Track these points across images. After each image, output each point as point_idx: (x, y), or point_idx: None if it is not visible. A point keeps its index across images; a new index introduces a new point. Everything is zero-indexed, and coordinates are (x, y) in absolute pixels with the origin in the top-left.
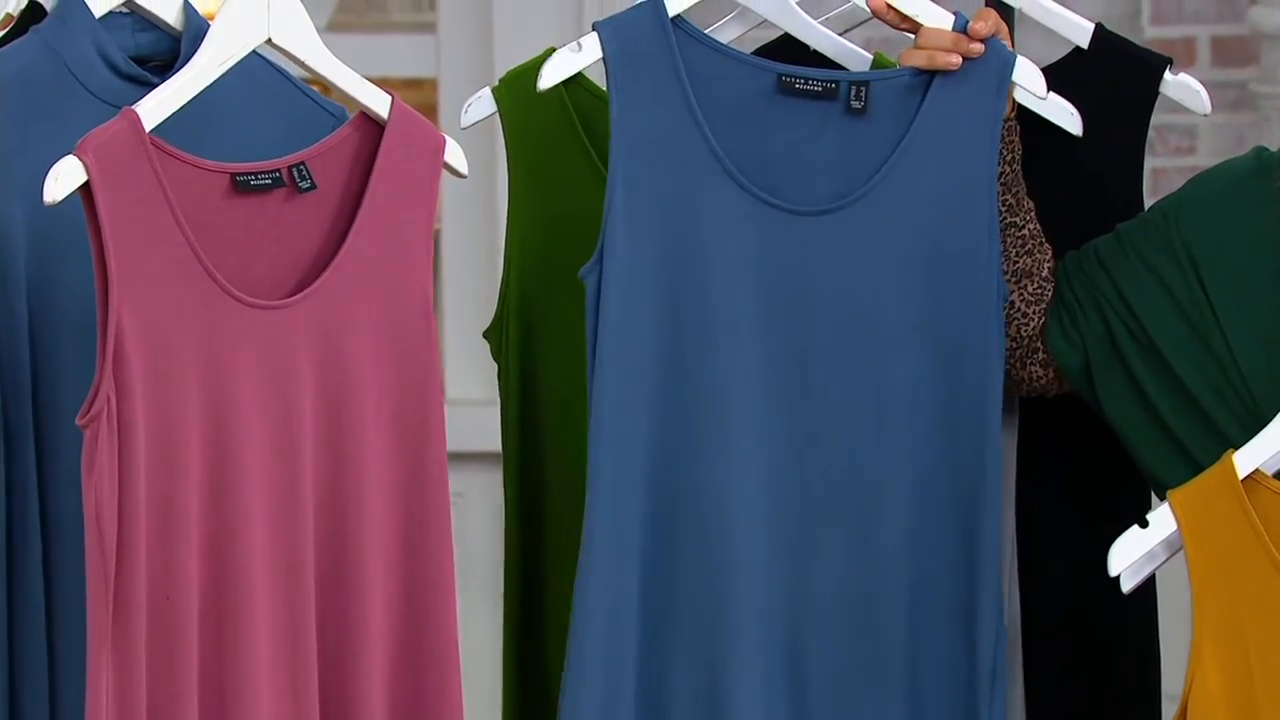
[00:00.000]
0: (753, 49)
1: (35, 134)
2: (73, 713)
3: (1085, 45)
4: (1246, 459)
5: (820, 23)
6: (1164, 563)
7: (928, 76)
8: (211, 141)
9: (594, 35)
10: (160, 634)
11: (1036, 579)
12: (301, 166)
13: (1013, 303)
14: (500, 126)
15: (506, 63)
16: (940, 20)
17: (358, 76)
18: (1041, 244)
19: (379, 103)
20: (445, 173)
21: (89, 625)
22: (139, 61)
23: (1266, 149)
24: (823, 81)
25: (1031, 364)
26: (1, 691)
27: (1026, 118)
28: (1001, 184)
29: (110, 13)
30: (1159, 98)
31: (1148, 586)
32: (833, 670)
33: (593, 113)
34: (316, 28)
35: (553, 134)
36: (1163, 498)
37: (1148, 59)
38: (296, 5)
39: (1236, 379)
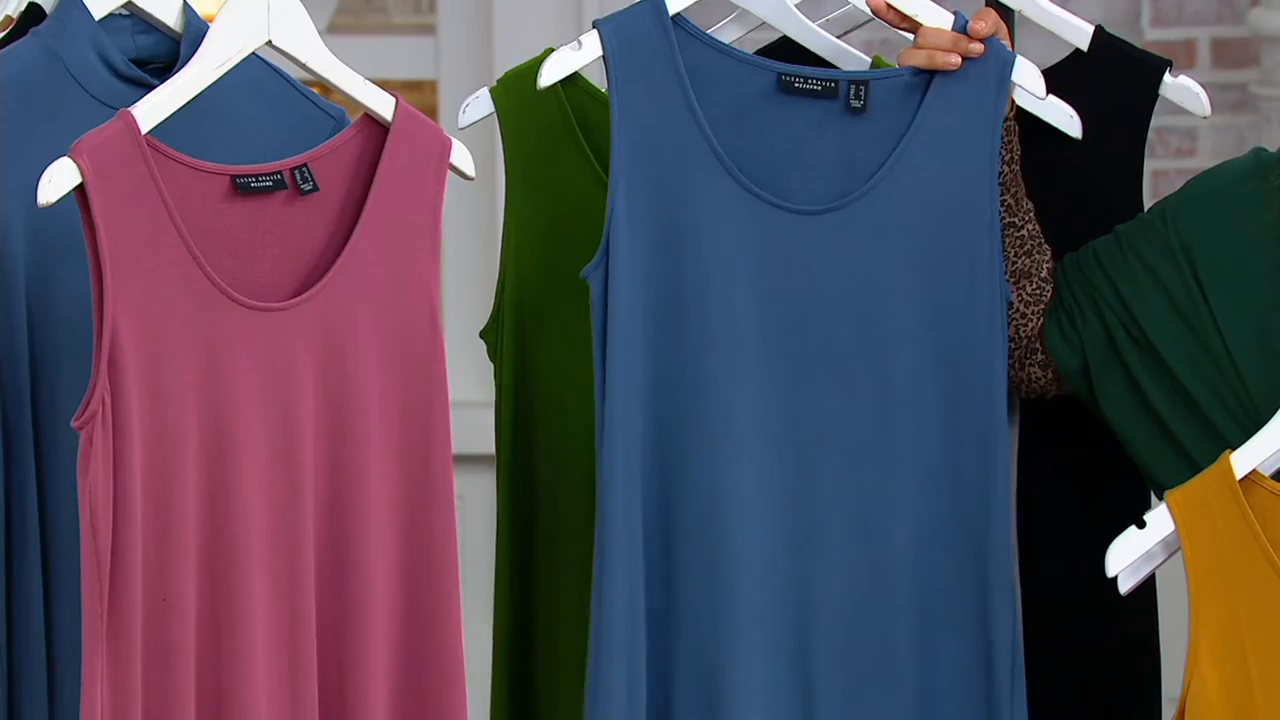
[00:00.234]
0: (752, 51)
1: (35, 136)
2: (70, 715)
3: (1085, 47)
4: (1244, 459)
5: (819, 25)
6: (1162, 563)
7: (927, 76)
8: (211, 143)
9: (594, 33)
10: (156, 637)
11: (1036, 579)
12: (304, 168)
13: (1011, 303)
14: (498, 127)
15: (506, 65)
16: (940, 20)
17: (361, 79)
18: (1040, 245)
19: (383, 105)
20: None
21: (84, 628)
22: (139, 64)
23: (1265, 150)
24: (823, 80)
25: (1030, 365)
26: (1, 693)
27: (1026, 120)
28: (1000, 184)
29: (110, 15)
30: (1159, 100)
31: (1148, 587)
32: (840, 675)
33: (590, 114)
34: (316, 30)
35: (550, 135)
36: (1162, 498)
37: (1147, 61)
38: (297, 7)
39: (1234, 379)
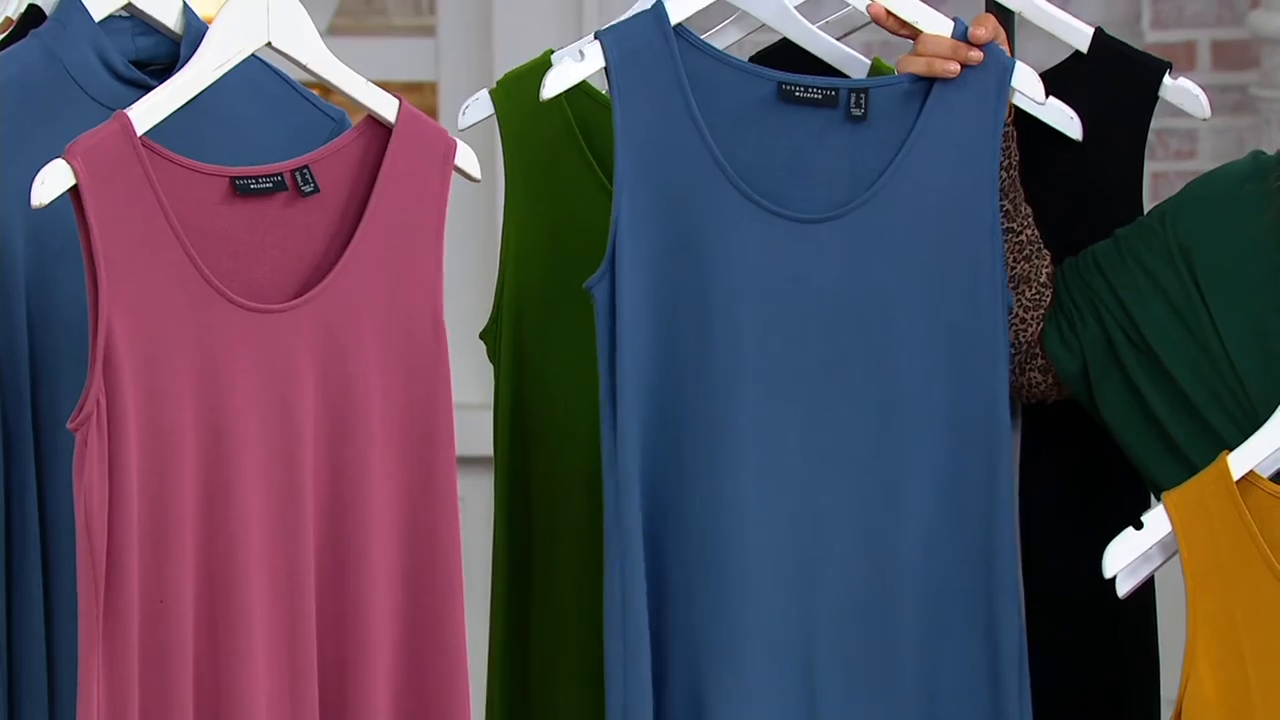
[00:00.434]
0: (752, 53)
1: (35, 138)
2: (70, 716)
3: (1085, 49)
4: (1241, 461)
5: (819, 27)
6: (1160, 566)
7: (927, 83)
8: (211, 145)
9: (596, 44)
10: (153, 638)
11: (1036, 581)
12: (305, 170)
13: (1011, 309)
14: (498, 129)
15: (506, 66)
16: (939, 27)
17: (364, 80)
18: (1039, 250)
19: (386, 106)
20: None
21: (80, 629)
22: (139, 65)
23: (1263, 152)
24: (823, 89)
25: (1030, 369)
26: (1, 693)
27: (1026, 122)
28: (999, 189)
29: (110, 16)
30: (1159, 102)
31: (1147, 588)
32: (845, 681)
33: (591, 116)
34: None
35: (551, 137)
36: (1161, 500)
37: (1147, 63)
38: (298, 8)
39: (1232, 381)
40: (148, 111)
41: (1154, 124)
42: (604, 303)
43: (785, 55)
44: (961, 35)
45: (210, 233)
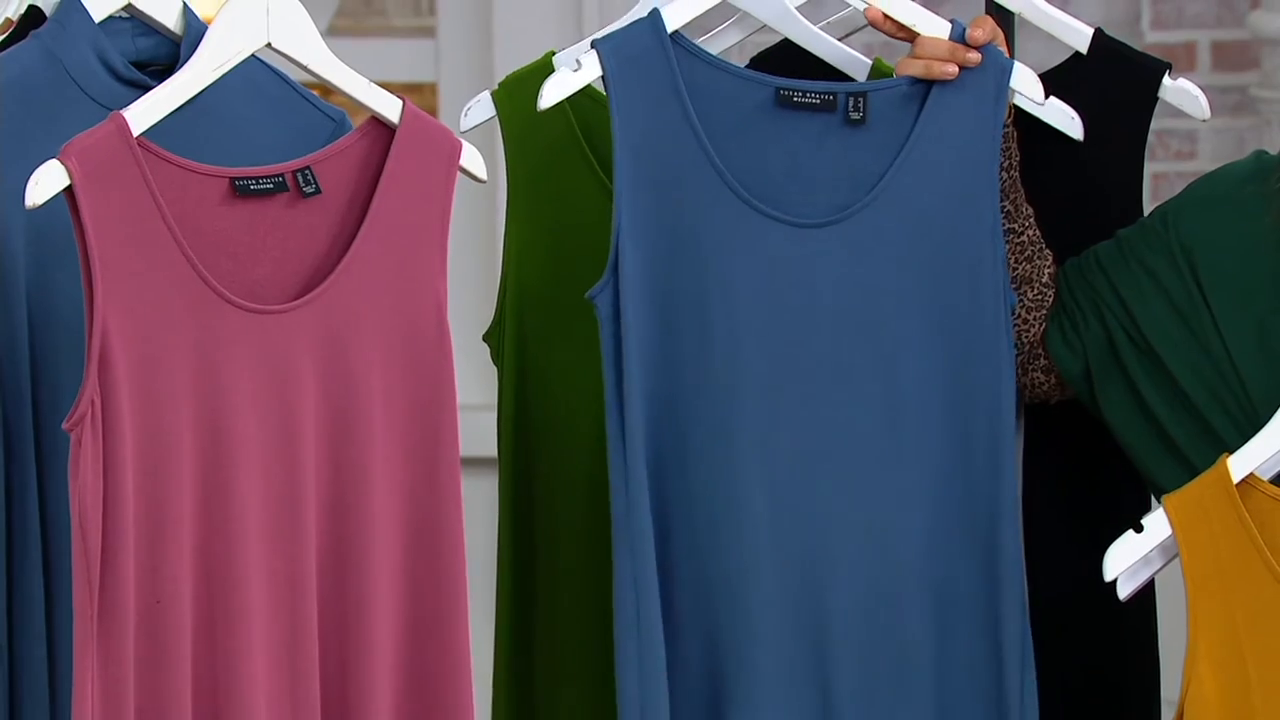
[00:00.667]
0: (753, 54)
1: (35, 139)
2: (71, 716)
3: (1084, 50)
4: (1241, 463)
5: (819, 28)
6: (1160, 569)
7: (926, 85)
8: (210, 145)
9: (593, 54)
10: (150, 639)
11: (1037, 581)
12: (307, 171)
13: (1013, 309)
14: (499, 130)
15: (506, 67)
16: (937, 29)
17: (366, 81)
18: (1041, 250)
19: (389, 107)
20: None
21: (75, 629)
22: (139, 66)
23: (1266, 152)
24: (821, 94)
25: (1033, 370)
26: (1, 690)
27: (1026, 122)
28: (999, 190)
29: (110, 17)
30: (1159, 102)
31: (1147, 588)
32: (856, 683)
33: (593, 118)
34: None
35: (553, 138)
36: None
37: (1147, 64)
38: (298, 9)
39: (1234, 382)
40: (145, 112)
41: (1154, 125)
42: (608, 312)
43: (786, 56)
44: (959, 37)
45: (209, 233)
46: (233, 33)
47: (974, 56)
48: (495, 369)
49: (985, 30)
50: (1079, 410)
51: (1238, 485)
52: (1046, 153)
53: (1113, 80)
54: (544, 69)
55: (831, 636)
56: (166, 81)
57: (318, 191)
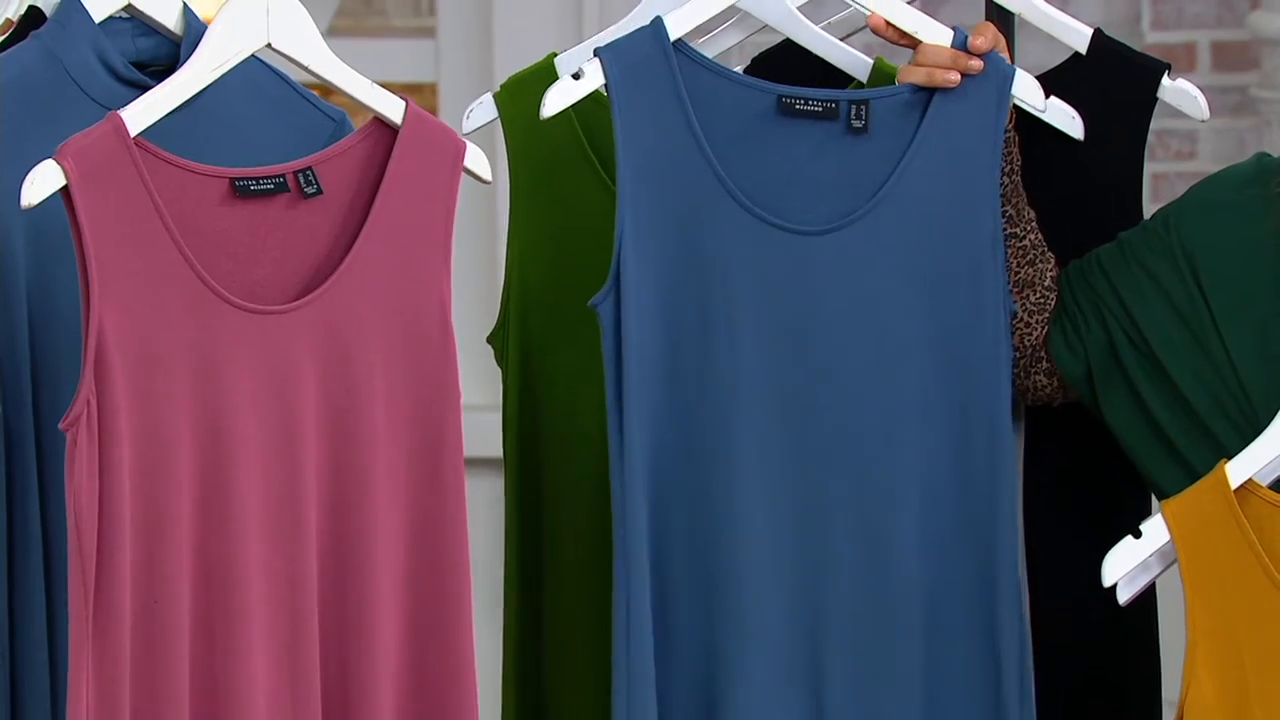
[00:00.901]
0: (753, 54)
1: (35, 139)
2: None
3: (1084, 51)
4: (1239, 469)
5: (820, 29)
6: (1159, 574)
7: (927, 93)
8: (211, 146)
9: (595, 62)
10: (146, 638)
11: (1039, 584)
12: (308, 171)
13: (1015, 313)
14: (501, 131)
15: (506, 67)
16: (939, 37)
17: (368, 82)
18: (1043, 254)
19: (391, 108)
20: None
21: (70, 629)
22: (139, 66)
23: (1268, 154)
24: (823, 102)
25: (1036, 373)
26: (3, 692)
27: (1026, 124)
28: (1001, 195)
29: (110, 17)
30: (1158, 103)
31: (1148, 593)
32: (850, 688)
33: (595, 119)
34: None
35: (555, 139)
36: None
37: (1146, 64)
38: (299, 10)
39: (1235, 386)
40: (142, 112)
41: (1154, 125)
42: (609, 320)
43: (788, 57)
44: (961, 45)
45: (208, 233)
46: (232, 33)
47: (976, 64)
48: (498, 370)
49: (987, 38)
50: (1080, 413)
51: (1236, 491)
52: (1046, 153)
53: (1112, 80)
54: (546, 70)
55: (827, 642)
56: (165, 81)
57: (319, 192)
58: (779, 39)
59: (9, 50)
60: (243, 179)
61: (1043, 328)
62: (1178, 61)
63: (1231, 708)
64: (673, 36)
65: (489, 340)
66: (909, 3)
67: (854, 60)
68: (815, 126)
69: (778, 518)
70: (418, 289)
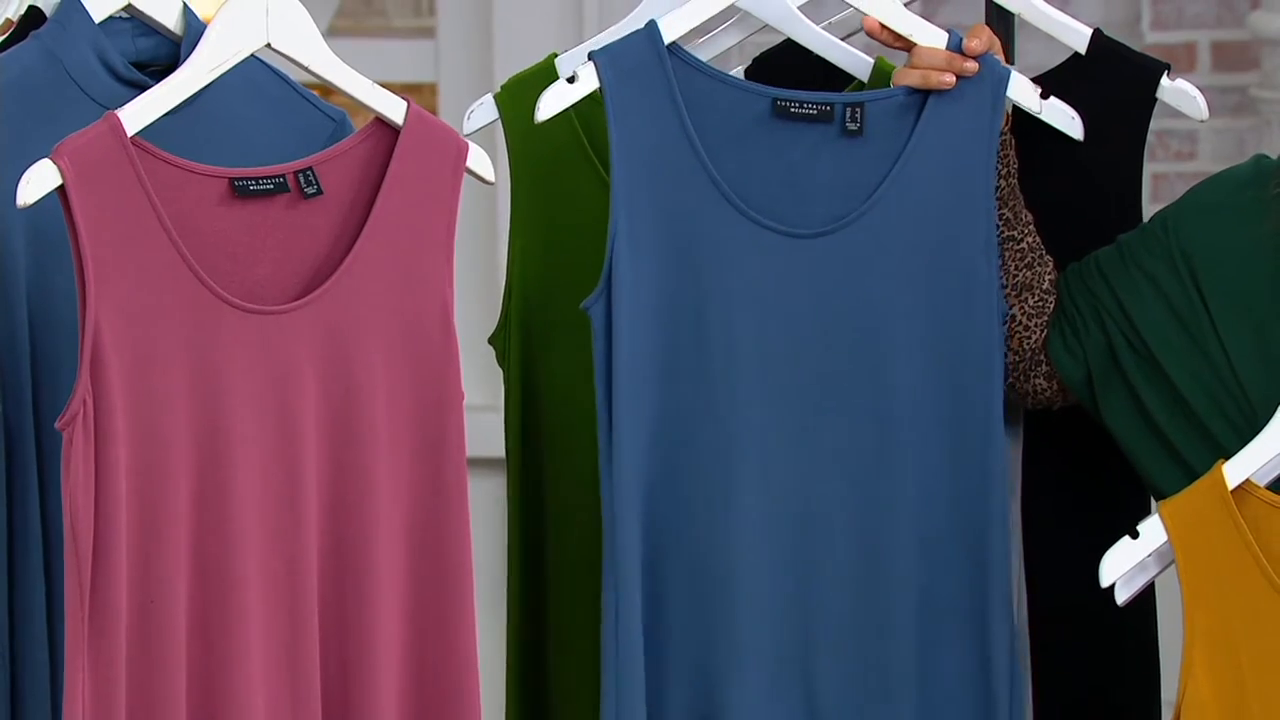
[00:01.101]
0: (754, 54)
1: (35, 139)
2: None
3: (1083, 51)
4: (1236, 469)
5: (821, 29)
6: (1156, 575)
7: (923, 95)
8: (212, 146)
9: (590, 65)
10: (143, 639)
11: (1039, 587)
12: (308, 172)
13: (1014, 316)
14: (501, 132)
15: (506, 68)
16: (934, 39)
17: (369, 82)
18: (1042, 257)
19: (393, 108)
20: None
21: (66, 629)
22: (139, 66)
23: (1266, 156)
24: (818, 104)
25: (1035, 377)
26: (3, 692)
27: (1024, 123)
28: (998, 198)
29: (110, 18)
30: (1158, 103)
31: (1147, 593)
32: (843, 693)
33: (596, 119)
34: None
35: (556, 139)
36: None
37: (1146, 64)
38: (299, 10)
39: (1234, 387)
40: (139, 112)
41: (1154, 125)
42: (600, 323)
43: (790, 57)
44: (956, 47)
45: (208, 234)
46: (231, 33)
47: (971, 66)
48: (498, 370)
49: (982, 40)
50: (1079, 416)
51: (1234, 491)
52: (1045, 153)
53: (1112, 81)
54: (546, 71)
55: (821, 644)
56: (163, 81)
57: (319, 192)
58: (779, 39)
59: (9, 50)
60: (242, 179)
61: (1041, 331)
62: (1178, 61)
63: (1229, 708)
64: (668, 39)
65: (490, 341)
66: (908, 3)
67: (855, 60)
68: (810, 129)
69: (772, 519)
70: (419, 290)
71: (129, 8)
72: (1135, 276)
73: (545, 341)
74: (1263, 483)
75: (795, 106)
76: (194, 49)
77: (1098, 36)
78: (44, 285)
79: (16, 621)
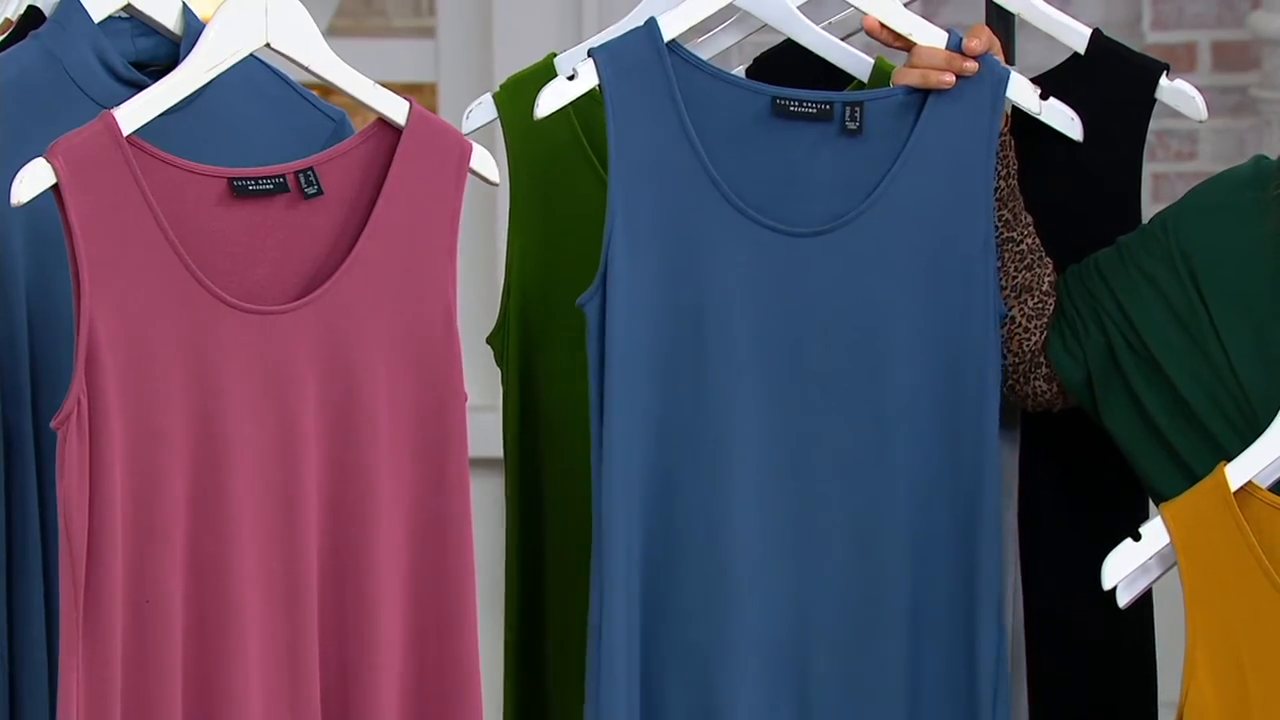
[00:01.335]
0: (753, 54)
1: (34, 139)
2: None
3: (1082, 51)
4: (1239, 471)
5: (821, 29)
6: (1158, 578)
7: (922, 95)
8: (211, 146)
9: (589, 63)
10: (139, 639)
11: (1037, 588)
12: (309, 172)
13: (1013, 318)
14: (501, 131)
15: (506, 68)
16: (934, 38)
17: (371, 83)
18: (1041, 258)
19: (395, 109)
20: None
21: (61, 629)
22: (139, 66)
23: (1266, 157)
24: (817, 103)
25: (1035, 379)
26: (2, 693)
27: (1023, 124)
28: (997, 199)
29: (110, 17)
30: (1158, 103)
31: (1144, 595)
32: (837, 692)
33: (595, 118)
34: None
35: (555, 138)
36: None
37: (1145, 64)
38: (299, 10)
39: (1234, 388)
40: (136, 111)
41: (1155, 125)
42: (594, 321)
43: (791, 56)
44: (956, 46)
45: (206, 234)
46: (229, 33)
47: (971, 66)
48: (498, 370)
49: (982, 40)
50: (1078, 418)
51: (1236, 493)
52: (1045, 154)
53: (1111, 81)
54: (545, 71)
55: (815, 644)
56: (160, 81)
57: (319, 193)
58: (778, 39)
59: (8, 50)
60: (241, 179)
61: (1041, 333)
62: (1178, 61)
63: (1231, 711)
64: (667, 37)
65: (488, 341)
66: (908, 2)
67: (854, 60)
68: (810, 128)
69: (768, 518)
70: (421, 291)
71: (128, 7)
72: (1135, 278)
73: (544, 341)
74: (1265, 484)
75: (795, 105)
76: (193, 49)
77: (1096, 37)
78: (43, 285)
79: (15, 622)
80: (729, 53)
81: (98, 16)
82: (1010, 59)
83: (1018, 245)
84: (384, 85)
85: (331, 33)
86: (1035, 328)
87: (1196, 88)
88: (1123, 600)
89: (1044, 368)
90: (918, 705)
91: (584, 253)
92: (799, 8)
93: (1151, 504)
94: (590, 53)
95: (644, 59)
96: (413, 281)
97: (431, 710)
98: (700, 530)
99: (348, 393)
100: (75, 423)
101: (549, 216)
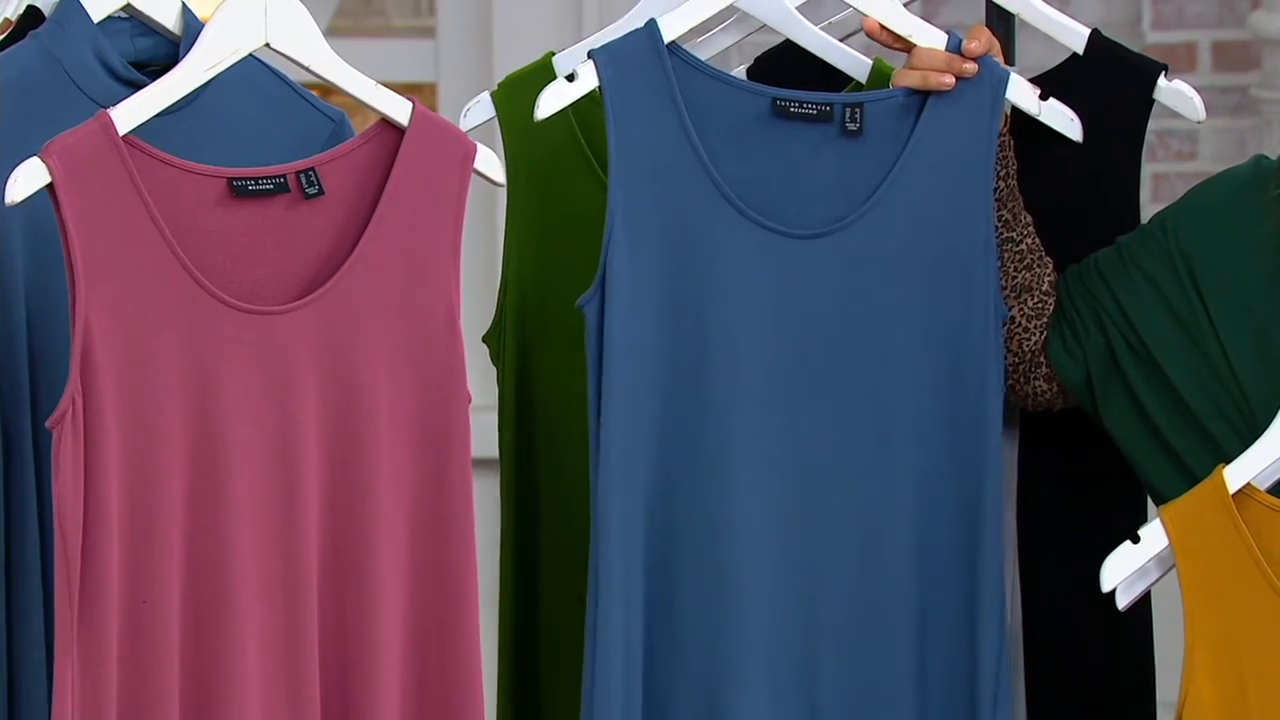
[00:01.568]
0: (753, 54)
1: (34, 139)
2: None
3: (1081, 51)
4: (1238, 473)
5: (820, 29)
6: (1157, 580)
7: (922, 96)
8: (211, 146)
9: (589, 64)
10: (135, 639)
11: (1036, 588)
12: (310, 172)
13: (1013, 318)
14: (499, 130)
15: (506, 67)
16: (933, 40)
17: (373, 83)
18: (1041, 258)
19: (397, 109)
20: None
21: (56, 629)
22: (138, 66)
23: (1266, 157)
24: (817, 104)
25: (1035, 379)
26: (1, 693)
27: (1023, 124)
28: (997, 200)
29: (109, 17)
30: (1157, 103)
31: (1143, 599)
32: (844, 696)
33: (593, 118)
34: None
35: (553, 138)
36: None
37: (1143, 65)
38: (299, 10)
39: (1234, 389)
40: (132, 111)
41: (1154, 125)
42: (593, 322)
43: (791, 57)
44: (955, 48)
45: (205, 234)
46: (227, 33)
47: (970, 67)
48: (494, 369)
49: (981, 41)
50: (1078, 419)
51: (1234, 495)
52: (1044, 154)
53: (1109, 81)
54: (544, 70)
55: (822, 646)
56: (157, 81)
57: (320, 193)
58: (778, 39)
59: (8, 50)
60: (240, 179)
61: (1041, 333)
62: (1178, 61)
63: (1230, 712)
64: (668, 38)
65: (485, 339)
66: (908, 3)
67: (853, 61)
68: (810, 129)
69: (772, 521)
70: (424, 291)
71: (128, 7)
72: (1135, 278)
73: (540, 340)
74: (1264, 486)
75: (795, 106)
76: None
77: (1095, 37)
78: (42, 285)
79: (14, 622)
80: (729, 53)
81: (97, 16)
82: (1010, 59)
83: (1017, 245)
84: (384, 85)
85: (331, 33)
86: (1035, 328)
87: (1196, 88)
88: (1122, 603)
89: (1044, 368)
90: (924, 704)
91: (581, 253)
92: (798, 8)
93: (1151, 504)
94: (590, 54)
95: (644, 60)
96: (415, 282)
97: (432, 712)
98: (701, 533)
99: (348, 393)
100: (70, 422)
101: (546, 215)
